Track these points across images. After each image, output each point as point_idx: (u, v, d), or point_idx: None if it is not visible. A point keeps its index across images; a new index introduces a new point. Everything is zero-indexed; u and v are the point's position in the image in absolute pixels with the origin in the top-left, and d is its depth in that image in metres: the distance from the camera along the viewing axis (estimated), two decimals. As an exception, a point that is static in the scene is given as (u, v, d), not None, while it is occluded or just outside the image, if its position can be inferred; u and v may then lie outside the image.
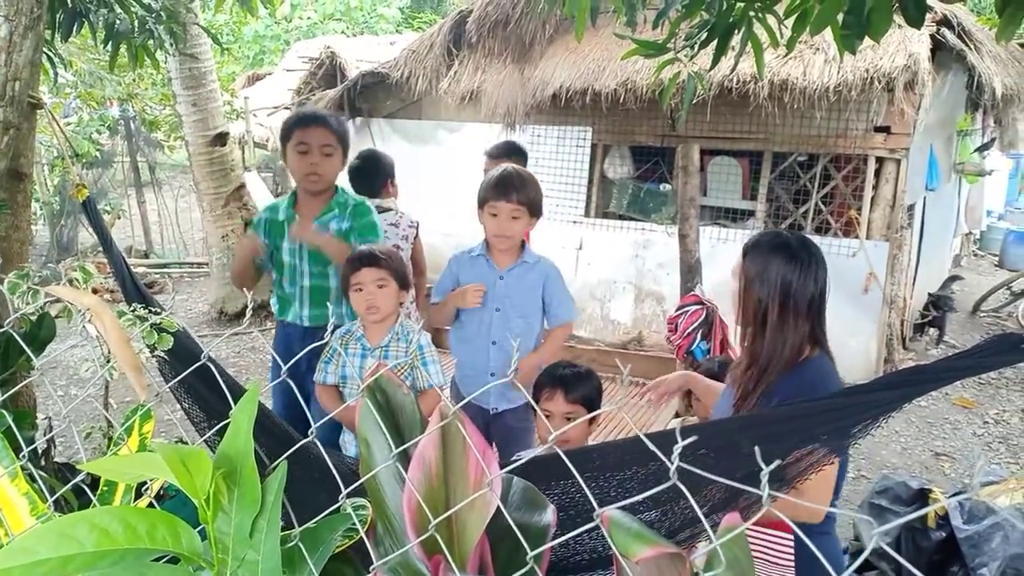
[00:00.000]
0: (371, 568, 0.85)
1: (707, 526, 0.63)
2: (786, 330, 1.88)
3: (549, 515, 1.05)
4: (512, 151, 4.53)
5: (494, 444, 3.05)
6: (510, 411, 2.93)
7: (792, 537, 1.89)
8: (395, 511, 0.93)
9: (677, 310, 4.39)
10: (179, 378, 1.34)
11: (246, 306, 6.69)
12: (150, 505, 1.01)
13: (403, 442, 0.95)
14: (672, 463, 0.60)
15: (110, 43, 3.47)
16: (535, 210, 2.81)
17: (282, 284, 3.08)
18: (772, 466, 0.56)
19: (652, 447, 0.65)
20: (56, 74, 3.80)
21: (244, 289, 3.16)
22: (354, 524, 0.90)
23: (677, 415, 4.12)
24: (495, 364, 2.87)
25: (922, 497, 3.38)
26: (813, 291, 1.90)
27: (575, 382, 2.46)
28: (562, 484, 1.41)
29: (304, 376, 2.82)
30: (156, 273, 8.78)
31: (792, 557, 1.88)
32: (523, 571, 0.72)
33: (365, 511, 0.95)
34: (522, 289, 2.86)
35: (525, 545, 0.75)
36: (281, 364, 1.00)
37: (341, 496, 0.87)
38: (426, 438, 0.90)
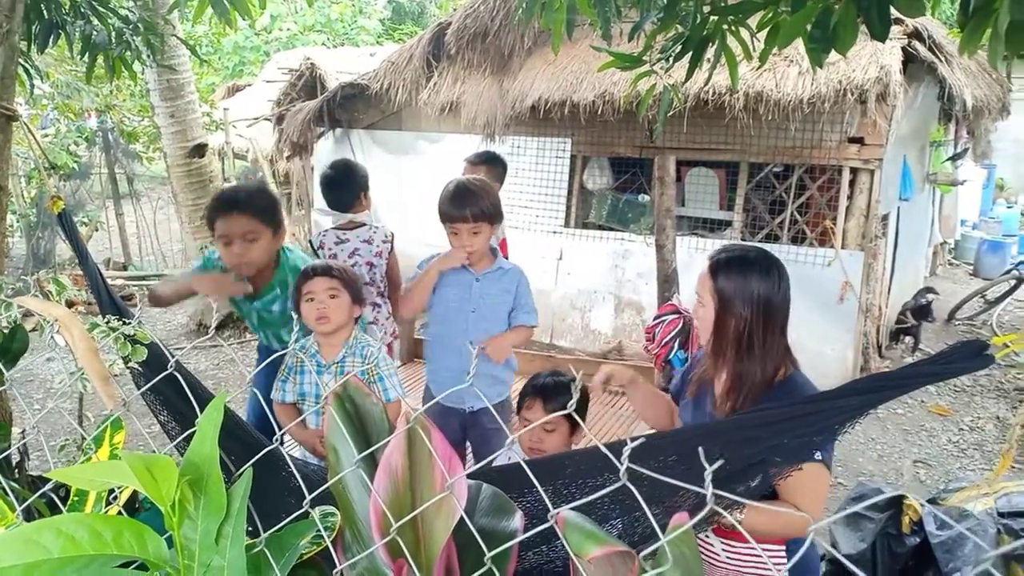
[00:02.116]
0: (336, 570, 0.86)
1: (655, 525, 0.65)
2: (768, 348, 1.86)
3: (516, 521, 1.07)
4: (490, 158, 4.57)
5: (470, 445, 3.07)
6: (486, 410, 2.95)
7: (783, 548, 1.90)
8: (363, 518, 0.94)
9: (655, 320, 4.43)
10: (147, 387, 1.34)
11: (226, 317, 6.68)
12: (119, 514, 1.01)
13: (369, 445, 0.97)
14: (622, 464, 0.62)
15: (87, 54, 3.46)
16: (494, 218, 2.85)
17: (238, 312, 3.11)
18: (715, 465, 0.58)
19: (605, 451, 0.67)
20: (32, 85, 3.78)
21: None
22: (320, 531, 0.91)
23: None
24: (471, 364, 2.90)
25: (897, 503, 3.42)
26: (787, 306, 1.90)
27: (555, 392, 2.49)
28: (536, 491, 1.43)
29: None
30: (134, 285, 8.71)
31: (784, 562, 1.89)
32: (481, 571, 0.74)
33: (334, 518, 0.96)
34: (497, 292, 2.94)
35: (484, 549, 0.77)
36: (259, 395, 1.01)
37: (305, 502, 0.89)
38: (392, 444, 0.91)
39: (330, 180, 3.82)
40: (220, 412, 0.81)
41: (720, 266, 1.93)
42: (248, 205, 2.81)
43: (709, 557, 1.96)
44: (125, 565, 0.77)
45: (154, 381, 1.23)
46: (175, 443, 1.86)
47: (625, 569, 0.67)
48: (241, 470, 0.82)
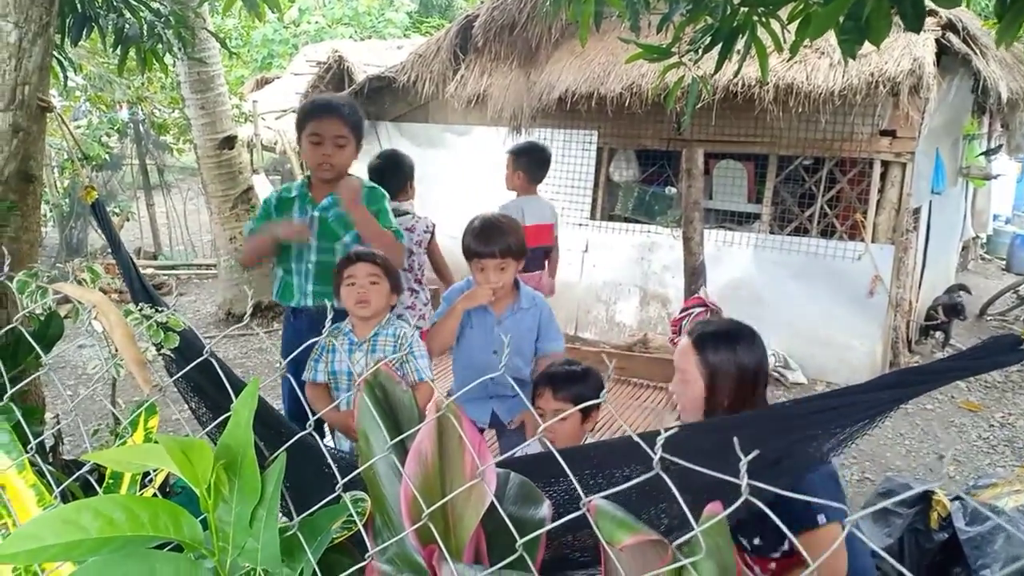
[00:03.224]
0: (368, 554, 0.87)
1: (689, 515, 0.65)
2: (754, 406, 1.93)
3: (544, 509, 1.07)
4: (534, 150, 4.54)
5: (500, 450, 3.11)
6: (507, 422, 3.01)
7: None
8: (393, 504, 0.95)
9: (681, 312, 4.41)
10: (182, 373, 1.36)
11: (255, 306, 6.75)
12: (154, 496, 1.03)
13: (400, 432, 0.97)
14: (655, 453, 0.62)
15: (119, 47, 3.51)
16: (520, 255, 2.85)
17: (287, 263, 3.09)
18: (752, 455, 0.58)
19: (637, 439, 0.67)
20: (66, 78, 3.84)
21: (248, 270, 3.15)
22: (352, 516, 0.92)
23: (679, 417, 4.13)
24: (495, 389, 2.94)
25: (925, 499, 3.38)
26: (767, 370, 1.97)
27: (564, 381, 2.51)
28: (565, 480, 1.43)
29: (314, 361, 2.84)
30: (164, 275, 8.84)
31: None
32: (512, 558, 0.74)
33: (364, 503, 0.97)
34: (518, 333, 2.91)
35: (516, 536, 0.77)
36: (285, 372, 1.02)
37: (337, 487, 0.90)
38: (423, 431, 0.92)
39: (378, 169, 3.98)
40: (255, 398, 0.82)
41: (707, 341, 1.96)
42: (343, 112, 2.99)
43: None
44: (160, 546, 0.79)
45: (188, 368, 1.25)
46: (207, 430, 1.89)
47: (657, 558, 0.68)
48: (275, 455, 0.83)
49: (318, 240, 3.04)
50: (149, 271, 8.75)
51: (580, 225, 6.54)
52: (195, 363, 1.12)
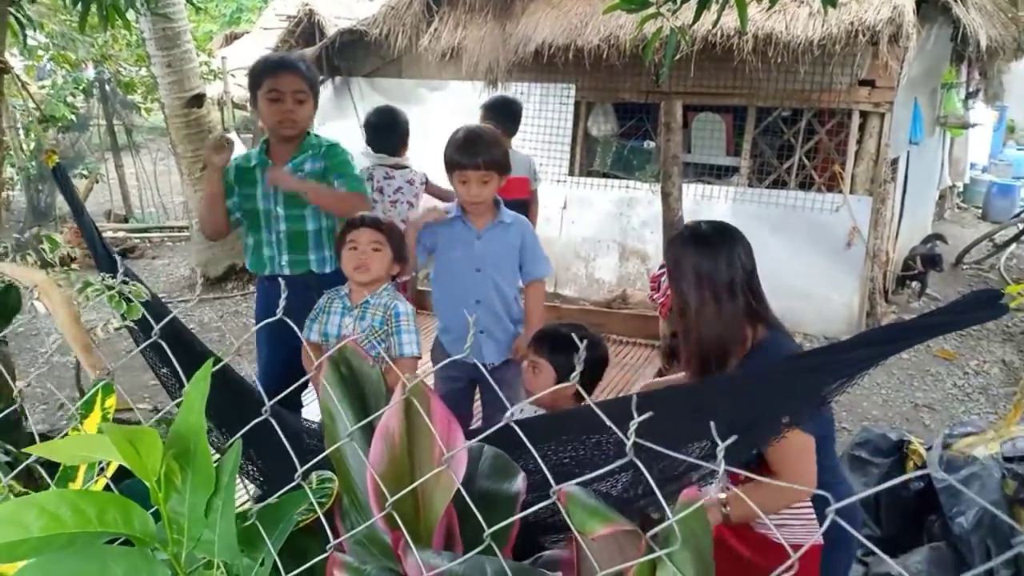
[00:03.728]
0: (329, 545, 0.84)
1: (664, 503, 0.62)
2: (710, 317, 1.86)
3: (519, 483, 1.04)
4: (505, 102, 4.60)
5: (480, 396, 3.08)
6: (502, 364, 2.96)
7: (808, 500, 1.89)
8: (360, 484, 0.92)
9: (660, 268, 4.37)
10: (141, 348, 1.31)
11: (229, 269, 6.65)
12: (107, 487, 0.99)
13: (369, 414, 0.94)
14: (628, 439, 0.58)
15: (79, 3, 3.36)
16: (503, 169, 2.79)
17: (257, 234, 3.03)
18: (729, 441, 0.55)
19: (608, 423, 0.64)
20: (25, 36, 3.69)
21: (217, 238, 3.10)
22: (318, 498, 0.89)
23: (660, 373, 4.14)
24: (483, 322, 2.89)
25: (901, 448, 3.42)
26: (730, 273, 1.87)
27: (546, 338, 2.52)
28: (546, 446, 1.40)
29: (293, 333, 2.79)
30: (136, 238, 8.68)
31: (810, 510, 1.89)
32: (480, 548, 0.72)
33: (331, 484, 0.94)
34: (500, 249, 2.86)
35: (487, 519, 0.74)
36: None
37: (297, 474, 0.86)
38: (389, 410, 0.89)
39: (377, 125, 4.19)
40: (207, 381, 0.78)
41: (669, 246, 1.99)
42: (300, 67, 2.92)
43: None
44: (114, 540, 0.75)
45: (144, 345, 1.20)
46: (176, 402, 1.84)
47: (632, 548, 0.65)
48: (231, 441, 0.79)
49: (285, 208, 2.98)
50: (120, 234, 8.59)
51: (559, 181, 6.47)
52: (147, 342, 1.07)
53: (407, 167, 4.15)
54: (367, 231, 2.60)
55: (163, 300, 3.08)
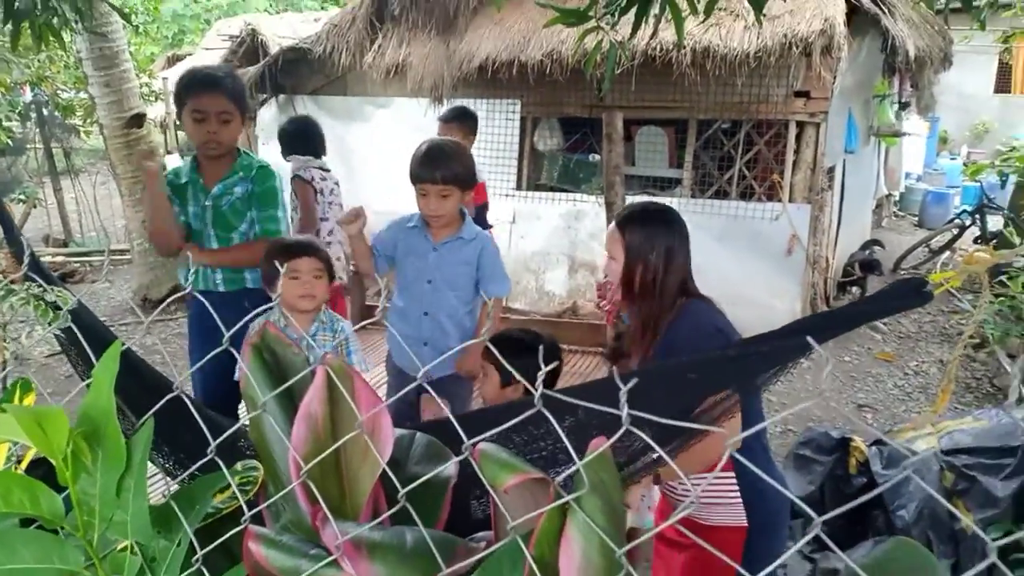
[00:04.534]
0: (244, 518, 0.82)
1: (573, 453, 0.63)
2: (667, 288, 2.02)
3: (451, 468, 1.04)
4: (461, 114, 4.65)
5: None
6: (442, 379, 2.93)
7: (732, 475, 1.93)
8: (285, 472, 0.91)
9: (605, 276, 4.42)
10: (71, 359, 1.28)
11: (172, 291, 6.51)
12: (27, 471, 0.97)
13: (294, 402, 0.93)
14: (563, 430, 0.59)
15: (10, 22, 3.29)
16: (466, 184, 2.78)
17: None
18: (630, 384, 0.55)
19: (551, 418, 0.65)
20: (-44, 59, 3.60)
21: (169, 253, 3.07)
22: (239, 483, 0.88)
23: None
24: (428, 334, 2.87)
25: (844, 446, 3.50)
26: (687, 251, 2.06)
27: (499, 345, 2.51)
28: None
29: (228, 348, 2.75)
30: (75, 262, 8.46)
31: (735, 493, 1.93)
32: (395, 508, 0.71)
33: (256, 472, 0.93)
34: (454, 263, 2.85)
35: (398, 486, 0.74)
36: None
37: (209, 449, 0.85)
38: (311, 393, 0.88)
39: (294, 132, 4.42)
40: (116, 362, 0.77)
41: (627, 221, 2.08)
42: (225, 86, 2.84)
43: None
44: (30, 523, 0.73)
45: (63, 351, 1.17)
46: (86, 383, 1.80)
47: (544, 496, 0.65)
48: (142, 420, 0.78)
49: (214, 230, 2.97)
50: (59, 259, 8.37)
51: (507, 196, 6.50)
52: (60, 325, 1.04)
53: (330, 169, 4.37)
54: (307, 260, 2.60)
55: (106, 324, 3.01)
